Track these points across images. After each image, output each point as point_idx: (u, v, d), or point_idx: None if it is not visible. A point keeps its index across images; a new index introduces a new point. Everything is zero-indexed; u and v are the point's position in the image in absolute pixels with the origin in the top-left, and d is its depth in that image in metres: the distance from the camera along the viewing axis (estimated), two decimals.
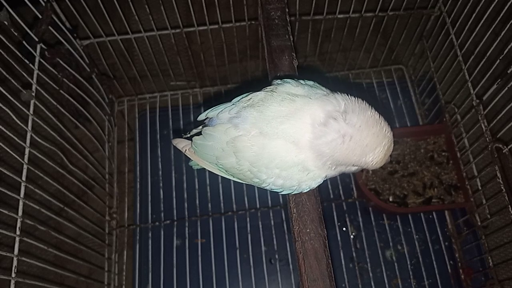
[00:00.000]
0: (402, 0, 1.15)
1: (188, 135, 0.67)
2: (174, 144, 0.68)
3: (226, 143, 0.54)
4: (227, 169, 0.58)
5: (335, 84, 1.44)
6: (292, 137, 0.51)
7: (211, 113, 0.60)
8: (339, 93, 0.52)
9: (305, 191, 0.58)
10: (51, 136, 0.96)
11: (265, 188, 0.58)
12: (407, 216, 1.25)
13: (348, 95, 0.52)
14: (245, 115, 0.53)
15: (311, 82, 0.57)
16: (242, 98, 0.56)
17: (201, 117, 0.62)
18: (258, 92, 0.55)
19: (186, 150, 0.65)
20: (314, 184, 0.56)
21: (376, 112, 0.51)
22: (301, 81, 0.56)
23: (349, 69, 1.44)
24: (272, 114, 0.52)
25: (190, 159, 0.67)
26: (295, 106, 0.52)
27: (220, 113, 0.57)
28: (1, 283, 0.76)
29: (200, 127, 0.64)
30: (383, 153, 0.51)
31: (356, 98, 0.51)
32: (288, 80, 0.56)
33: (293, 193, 0.59)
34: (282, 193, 0.59)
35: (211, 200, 1.28)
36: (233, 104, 0.57)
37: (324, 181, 0.57)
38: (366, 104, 0.51)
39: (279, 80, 0.57)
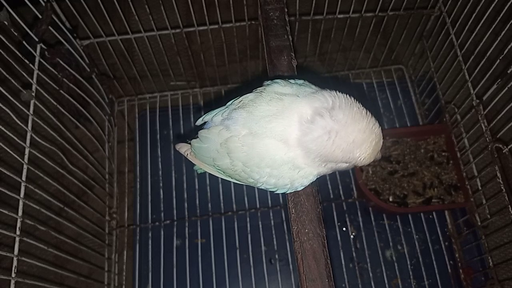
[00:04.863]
0: (402, 0, 1.15)
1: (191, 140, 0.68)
2: (177, 149, 0.69)
3: (220, 145, 0.55)
4: (223, 170, 0.59)
5: (335, 84, 1.44)
6: (281, 135, 0.51)
7: (207, 117, 0.61)
8: (328, 90, 0.52)
9: (300, 189, 0.58)
10: (51, 136, 0.96)
11: (260, 188, 0.58)
12: (407, 216, 1.25)
13: (336, 92, 0.52)
14: (236, 116, 0.54)
15: (300, 81, 0.57)
16: (234, 101, 0.57)
17: (199, 122, 0.63)
18: (248, 94, 0.56)
19: (187, 154, 0.67)
20: (307, 182, 0.56)
21: (364, 108, 0.51)
22: (290, 81, 0.56)
23: (349, 69, 1.44)
24: (260, 113, 0.52)
25: (192, 162, 0.68)
26: (283, 105, 0.52)
27: (214, 116, 0.58)
28: (1, 283, 0.76)
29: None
30: (370, 149, 0.51)
31: (345, 95, 0.51)
32: (277, 80, 0.57)
33: (287, 191, 0.59)
34: (277, 192, 0.59)
35: (211, 200, 1.28)
36: (226, 107, 0.58)
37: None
38: (354, 100, 0.51)
39: (269, 81, 0.57)
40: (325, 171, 0.56)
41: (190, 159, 0.67)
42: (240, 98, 0.56)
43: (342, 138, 0.49)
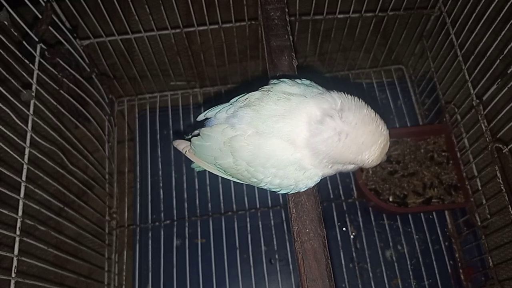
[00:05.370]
0: (402, 0, 1.15)
1: (189, 136, 0.68)
2: (175, 146, 0.68)
3: (223, 143, 0.54)
4: (225, 169, 0.59)
5: (335, 84, 1.44)
6: (288, 136, 0.51)
7: (209, 113, 0.60)
8: (335, 92, 0.52)
9: (303, 190, 0.58)
10: (51, 136, 0.96)
11: (263, 187, 0.58)
12: (407, 216, 1.25)
13: (344, 93, 0.52)
14: (242, 114, 0.53)
15: (307, 81, 0.57)
16: (239, 98, 0.57)
17: (200, 117, 0.62)
18: (254, 92, 0.55)
19: (186, 151, 0.66)
20: (311, 183, 0.56)
21: (372, 110, 0.51)
22: (297, 80, 0.56)
23: (349, 69, 1.44)
24: (267, 113, 0.52)
25: (191, 161, 0.67)
26: (291, 105, 0.52)
27: (217, 113, 0.58)
28: (1, 283, 0.76)
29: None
30: (379, 151, 0.51)
31: (352, 96, 0.51)
32: (284, 79, 0.56)
33: (290, 192, 0.59)
34: (280, 192, 0.59)
35: (211, 200, 1.28)
36: (230, 104, 0.57)
37: (324, 181, 0.57)
38: (362, 102, 0.51)
39: (275, 79, 0.57)
40: (330, 172, 0.56)
41: (188, 157, 0.66)
42: (246, 96, 0.55)
43: (352, 140, 0.49)
